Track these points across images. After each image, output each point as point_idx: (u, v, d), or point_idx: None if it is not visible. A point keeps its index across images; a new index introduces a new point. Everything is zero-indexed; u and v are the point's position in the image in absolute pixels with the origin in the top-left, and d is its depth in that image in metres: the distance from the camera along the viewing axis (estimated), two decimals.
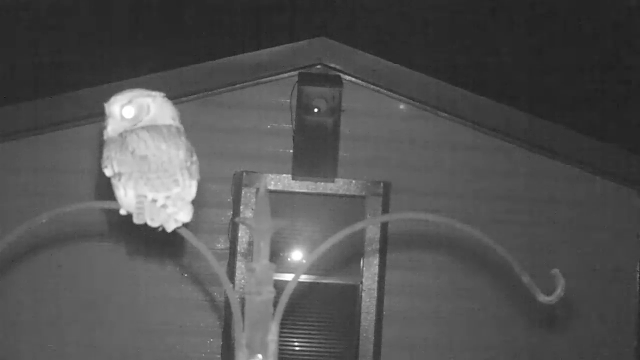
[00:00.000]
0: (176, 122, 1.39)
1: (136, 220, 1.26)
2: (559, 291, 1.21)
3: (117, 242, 4.62)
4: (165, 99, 1.39)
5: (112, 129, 1.35)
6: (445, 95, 4.78)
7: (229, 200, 4.72)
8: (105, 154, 1.33)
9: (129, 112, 1.35)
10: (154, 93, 1.39)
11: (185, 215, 1.28)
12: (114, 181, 1.30)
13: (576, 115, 4.57)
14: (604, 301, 4.84)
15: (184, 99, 4.51)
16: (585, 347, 4.82)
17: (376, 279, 4.69)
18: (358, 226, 1.28)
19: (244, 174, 4.66)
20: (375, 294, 4.69)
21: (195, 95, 4.72)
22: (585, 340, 4.82)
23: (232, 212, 4.69)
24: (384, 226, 4.66)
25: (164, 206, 1.26)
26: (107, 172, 1.32)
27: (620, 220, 4.89)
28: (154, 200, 1.27)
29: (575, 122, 4.64)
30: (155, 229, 1.28)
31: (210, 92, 4.77)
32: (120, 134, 1.34)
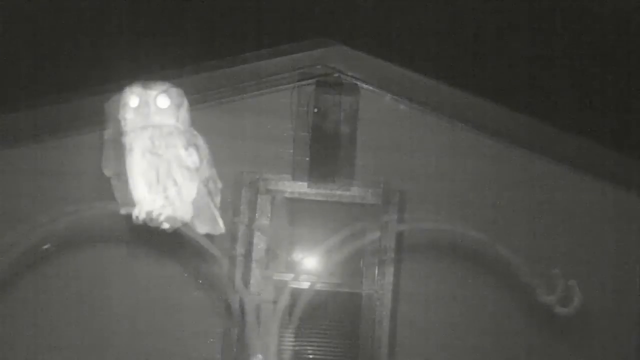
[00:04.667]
0: (179, 123, 1.39)
1: (135, 220, 1.27)
2: (576, 303, 1.21)
3: (125, 245, 4.63)
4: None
5: (130, 118, 1.36)
6: (462, 104, 4.77)
7: (243, 206, 4.72)
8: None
9: (164, 101, 1.36)
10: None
11: (184, 214, 1.28)
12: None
13: (593, 124, 4.55)
14: (608, 306, 4.80)
15: (200, 105, 4.52)
16: (592, 352, 4.79)
17: (391, 287, 4.68)
18: (374, 235, 1.27)
19: (260, 180, 4.67)
20: (390, 303, 4.67)
21: (214, 102, 4.73)
22: (591, 346, 4.80)
23: (247, 219, 4.69)
24: (399, 235, 4.64)
25: (163, 206, 1.27)
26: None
27: (627, 227, 4.87)
28: (153, 200, 1.27)
29: (592, 131, 4.63)
30: (159, 230, 1.28)
31: (228, 99, 4.78)
32: (121, 133, 1.35)
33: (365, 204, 4.72)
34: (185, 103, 1.45)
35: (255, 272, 4.60)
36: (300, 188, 4.70)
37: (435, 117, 4.83)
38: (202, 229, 1.57)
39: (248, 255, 4.65)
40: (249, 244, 4.65)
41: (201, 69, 4.67)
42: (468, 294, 4.78)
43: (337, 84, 4.73)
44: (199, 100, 4.53)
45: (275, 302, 1.21)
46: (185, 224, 1.38)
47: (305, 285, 1.41)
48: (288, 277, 1.27)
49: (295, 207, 4.63)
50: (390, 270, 4.68)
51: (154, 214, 1.29)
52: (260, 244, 4.61)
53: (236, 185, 4.67)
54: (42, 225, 1.26)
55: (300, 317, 1.20)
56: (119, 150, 1.31)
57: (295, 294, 1.18)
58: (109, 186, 4.05)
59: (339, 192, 4.68)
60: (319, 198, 4.71)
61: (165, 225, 1.30)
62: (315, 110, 4.57)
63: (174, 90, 1.41)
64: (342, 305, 4.77)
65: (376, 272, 4.71)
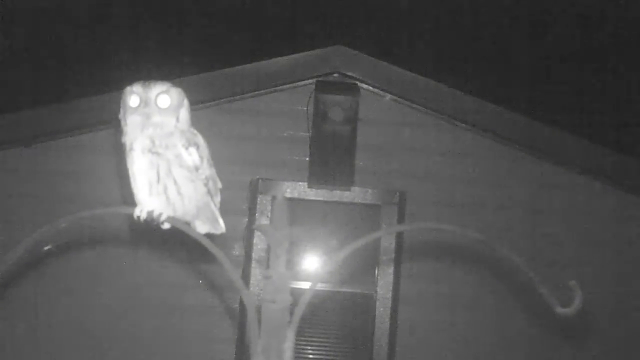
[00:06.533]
0: (180, 123, 1.42)
1: (136, 219, 1.31)
2: (577, 303, 1.20)
3: (125, 245, 4.63)
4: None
5: (130, 118, 1.40)
6: (461, 105, 4.77)
7: (244, 207, 4.72)
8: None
9: (164, 101, 1.39)
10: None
11: (184, 214, 1.32)
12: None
13: (595, 126, 4.55)
14: (609, 306, 4.79)
15: (200, 105, 4.52)
16: (593, 353, 4.79)
17: (391, 288, 4.67)
18: (374, 235, 1.27)
19: (260, 181, 4.66)
20: (390, 303, 4.67)
21: (213, 102, 4.73)
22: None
23: (247, 219, 4.69)
24: (399, 235, 4.64)
25: (163, 206, 1.30)
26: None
27: (627, 227, 4.86)
28: (153, 200, 1.31)
29: (594, 134, 4.63)
30: (160, 230, 1.31)
31: (227, 99, 4.78)
32: (121, 133, 1.40)
33: (365, 204, 4.71)
34: (186, 103, 1.46)
35: (255, 272, 4.59)
36: (300, 188, 4.70)
37: (435, 117, 4.83)
38: (202, 228, 1.57)
39: (248, 255, 4.64)
40: (249, 245, 4.64)
41: (201, 69, 4.67)
42: (468, 294, 4.78)
43: (337, 84, 4.73)
44: (200, 101, 4.53)
45: (275, 303, 1.20)
46: (186, 224, 1.39)
47: (305, 285, 1.41)
48: (288, 277, 1.26)
49: (296, 207, 4.63)
50: (390, 270, 4.68)
51: (155, 214, 1.30)
52: (260, 244, 4.60)
53: (238, 187, 4.67)
54: (42, 225, 1.26)
55: (300, 317, 1.20)
56: (120, 150, 1.33)
57: (296, 294, 1.18)
58: (109, 186, 4.04)
59: (338, 192, 4.67)
60: (318, 198, 4.71)
61: (166, 225, 1.31)
62: (315, 110, 4.56)
63: (174, 90, 1.42)
64: (342, 305, 4.76)
65: (376, 272, 4.71)
